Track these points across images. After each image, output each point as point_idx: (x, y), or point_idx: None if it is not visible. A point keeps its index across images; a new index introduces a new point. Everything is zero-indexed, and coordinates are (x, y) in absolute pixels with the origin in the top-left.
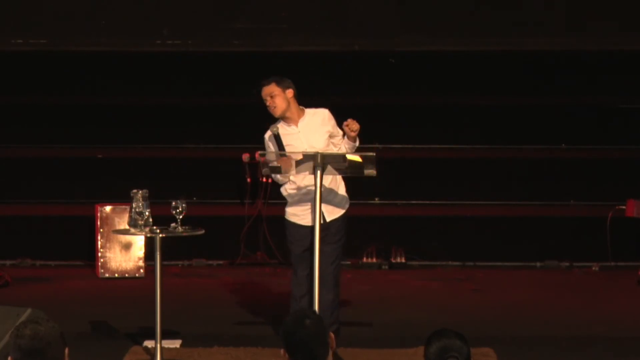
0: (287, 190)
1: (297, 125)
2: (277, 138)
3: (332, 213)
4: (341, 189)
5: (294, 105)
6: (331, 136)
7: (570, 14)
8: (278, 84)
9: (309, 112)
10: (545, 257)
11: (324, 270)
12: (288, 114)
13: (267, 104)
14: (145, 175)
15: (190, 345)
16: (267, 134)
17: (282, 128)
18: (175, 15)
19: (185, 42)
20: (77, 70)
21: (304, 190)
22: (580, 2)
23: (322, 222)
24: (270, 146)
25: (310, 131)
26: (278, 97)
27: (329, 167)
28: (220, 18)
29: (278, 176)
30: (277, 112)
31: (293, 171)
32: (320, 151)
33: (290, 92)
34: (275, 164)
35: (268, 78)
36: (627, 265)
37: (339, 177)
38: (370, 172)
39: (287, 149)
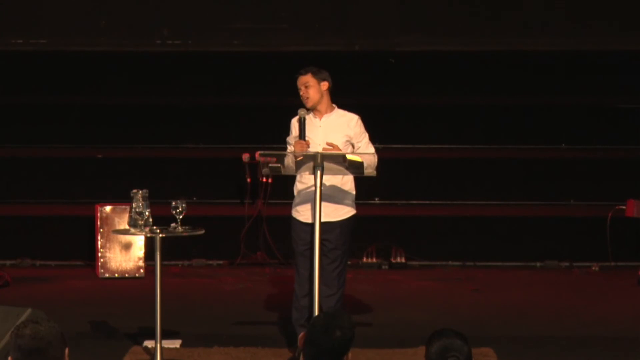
0: (297, 187)
1: (321, 119)
2: (302, 122)
3: (333, 214)
4: (348, 193)
5: (326, 98)
6: (352, 142)
7: (570, 14)
8: (314, 75)
9: (339, 112)
10: (545, 257)
11: (326, 273)
12: (318, 107)
13: (301, 93)
14: (145, 175)
15: (190, 345)
16: (295, 118)
17: (307, 118)
18: (175, 15)
19: (185, 42)
20: (77, 70)
21: (305, 191)
22: (580, 2)
23: (321, 220)
24: (294, 130)
25: (331, 130)
26: (312, 89)
27: (332, 168)
28: (220, 18)
29: (289, 160)
30: (309, 103)
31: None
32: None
33: (325, 85)
34: (275, 164)
35: (306, 67)
36: (627, 265)
37: (349, 181)
38: (371, 172)
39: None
